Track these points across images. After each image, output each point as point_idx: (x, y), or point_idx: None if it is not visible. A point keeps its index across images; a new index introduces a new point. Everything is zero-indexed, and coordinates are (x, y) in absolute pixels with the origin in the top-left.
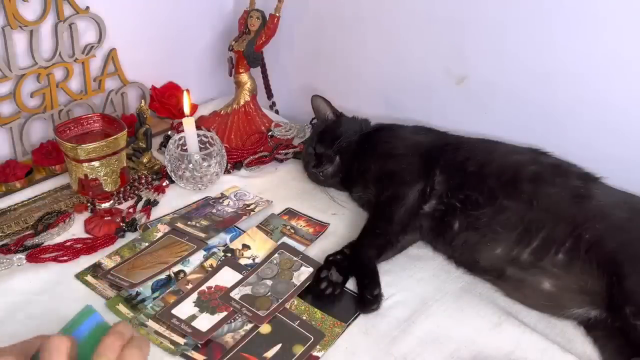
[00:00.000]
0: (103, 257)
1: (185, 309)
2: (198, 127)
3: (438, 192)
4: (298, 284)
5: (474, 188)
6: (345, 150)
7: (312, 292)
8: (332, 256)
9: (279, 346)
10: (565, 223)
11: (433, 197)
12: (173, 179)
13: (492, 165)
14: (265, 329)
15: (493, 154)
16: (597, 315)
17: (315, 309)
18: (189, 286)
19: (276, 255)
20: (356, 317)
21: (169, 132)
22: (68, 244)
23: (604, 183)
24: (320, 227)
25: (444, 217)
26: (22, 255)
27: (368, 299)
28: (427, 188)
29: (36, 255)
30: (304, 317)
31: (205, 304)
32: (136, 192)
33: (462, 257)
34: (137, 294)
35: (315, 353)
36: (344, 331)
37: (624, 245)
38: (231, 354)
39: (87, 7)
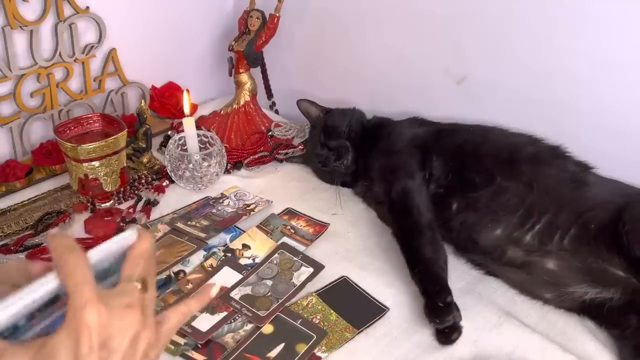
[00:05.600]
0: None
1: None
2: (198, 127)
3: (436, 176)
4: (298, 284)
5: (470, 169)
6: (352, 138)
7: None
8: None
9: (282, 345)
10: (568, 209)
11: (432, 182)
12: (173, 179)
13: (488, 145)
14: (267, 328)
15: (488, 136)
16: (593, 297)
17: (331, 310)
18: (189, 286)
19: (276, 255)
20: (369, 325)
21: (169, 132)
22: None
23: (596, 173)
24: (320, 227)
25: (442, 199)
26: (22, 255)
27: (440, 306)
28: (426, 174)
29: (36, 255)
30: (318, 317)
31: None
32: (136, 192)
33: (460, 237)
34: None
35: (319, 353)
36: (353, 337)
37: (634, 223)
38: (234, 355)
39: (87, 7)
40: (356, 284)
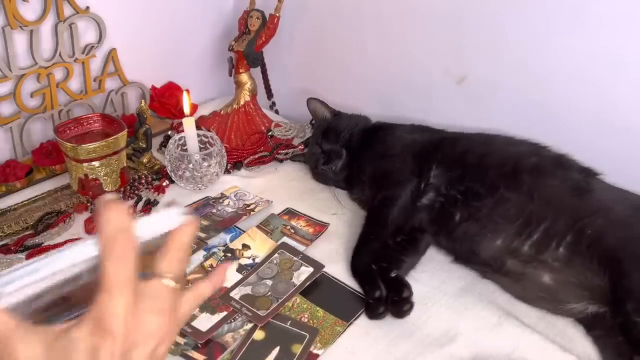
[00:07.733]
0: None
1: None
2: (198, 127)
3: (435, 185)
4: (298, 283)
5: (474, 179)
6: (351, 145)
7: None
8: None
9: (277, 349)
10: (566, 216)
11: (430, 190)
12: (173, 179)
13: (493, 156)
14: (259, 335)
15: (492, 146)
16: (595, 311)
17: (317, 307)
18: (189, 286)
19: (276, 255)
20: (358, 317)
21: (169, 132)
22: (68, 244)
23: (603, 180)
24: (320, 227)
25: (444, 208)
26: (22, 255)
27: (370, 303)
28: (422, 184)
29: (36, 255)
30: (306, 315)
31: (205, 304)
32: (136, 192)
33: (462, 248)
34: None
35: (315, 351)
36: (345, 330)
37: (625, 242)
38: None
39: (87, 7)
40: (335, 278)
